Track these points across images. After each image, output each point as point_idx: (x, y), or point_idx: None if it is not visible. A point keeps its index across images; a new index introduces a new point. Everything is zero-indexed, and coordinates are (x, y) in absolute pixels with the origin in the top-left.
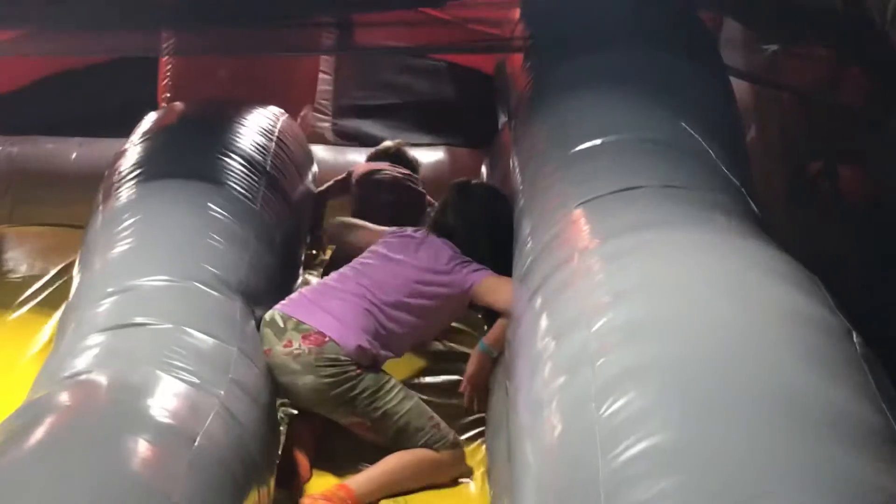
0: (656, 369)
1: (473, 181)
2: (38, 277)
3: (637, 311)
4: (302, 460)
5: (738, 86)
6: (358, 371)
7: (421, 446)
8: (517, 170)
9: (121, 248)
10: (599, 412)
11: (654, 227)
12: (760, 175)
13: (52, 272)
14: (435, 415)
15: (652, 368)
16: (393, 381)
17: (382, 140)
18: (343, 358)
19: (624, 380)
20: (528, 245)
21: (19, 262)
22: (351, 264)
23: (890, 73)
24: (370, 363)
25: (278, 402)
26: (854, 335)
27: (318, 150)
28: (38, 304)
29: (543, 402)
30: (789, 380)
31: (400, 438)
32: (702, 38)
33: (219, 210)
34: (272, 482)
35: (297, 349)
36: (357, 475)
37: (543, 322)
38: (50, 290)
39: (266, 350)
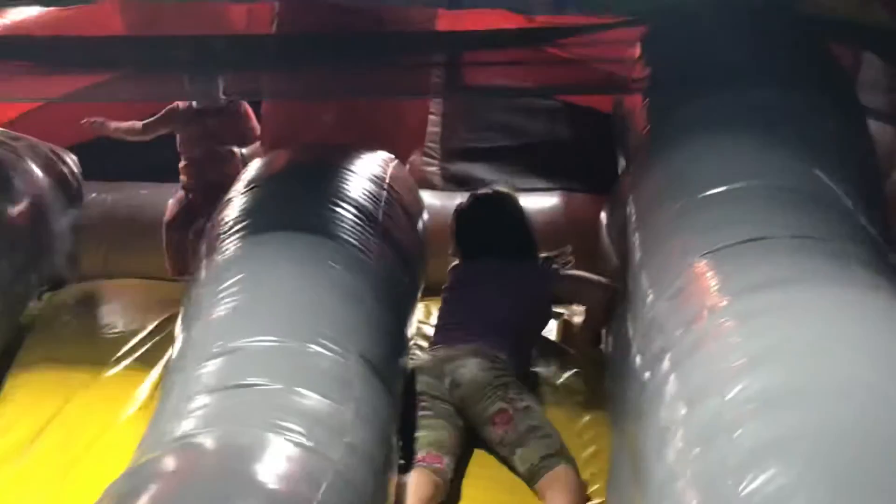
0: (799, 441)
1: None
2: (136, 333)
3: (775, 378)
4: None
5: (878, 129)
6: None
7: (543, 455)
8: (633, 217)
9: (227, 306)
10: (738, 489)
11: (789, 283)
12: None
13: (150, 327)
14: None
15: (794, 440)
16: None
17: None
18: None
19: (764, 453)
20: (650, 298)
21: (116, 317)
22: None
23: None
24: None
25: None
26: None
27: (426, 196)
28: (135, 360)
29: (676, 475)
30: None
31: (529, 437)
32: (836, 77)
33: (332, 263)
34: None
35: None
36: None
37: (673, 386)
38: (147, 345)
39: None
